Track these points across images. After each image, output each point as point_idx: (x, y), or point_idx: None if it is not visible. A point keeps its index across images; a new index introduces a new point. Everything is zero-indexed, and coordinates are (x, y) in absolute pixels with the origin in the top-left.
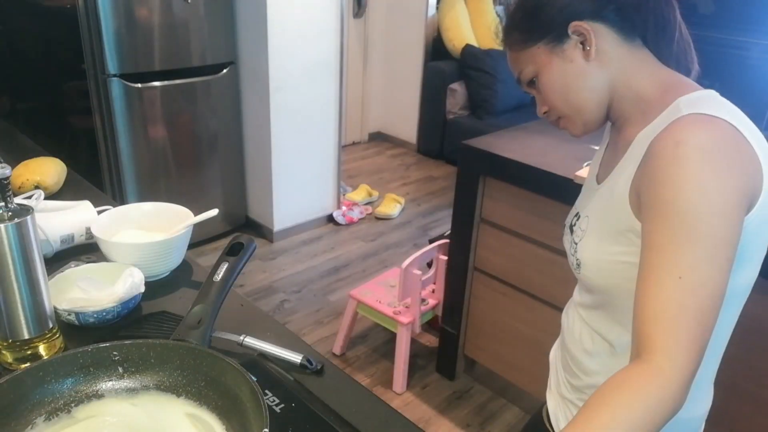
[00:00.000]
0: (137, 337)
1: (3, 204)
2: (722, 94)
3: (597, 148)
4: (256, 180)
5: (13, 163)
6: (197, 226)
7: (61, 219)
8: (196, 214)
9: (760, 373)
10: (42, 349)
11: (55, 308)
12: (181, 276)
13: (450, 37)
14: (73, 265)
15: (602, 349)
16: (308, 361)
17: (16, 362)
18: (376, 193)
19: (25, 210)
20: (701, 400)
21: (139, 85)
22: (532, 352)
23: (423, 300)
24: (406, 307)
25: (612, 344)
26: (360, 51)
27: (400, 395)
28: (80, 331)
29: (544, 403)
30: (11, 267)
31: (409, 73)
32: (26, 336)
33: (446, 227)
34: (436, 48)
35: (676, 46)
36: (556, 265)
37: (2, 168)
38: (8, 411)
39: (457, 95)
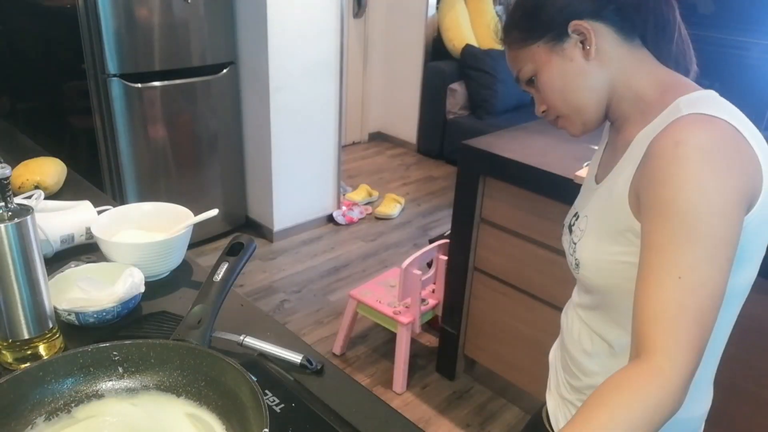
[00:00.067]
0: (137, 337)
1: (3, 204)
2: (722, 94)
3: (596, 147)
4: (256, 180)
5: (13, 163)
6: (197, 226)
7: (61, 219)
8: (196, 214)
9: (760, 373)
10: (42, 349)
11: (55, 308)
12: (181, 276)
13: (450, 37)
14: (73, 265)
15: (601, 349)
16: (308, 361)
17: (16, 362)
18: (376, 193)
19: (25, 210)
20: (700, 400)
21: (139, 85)
22: (532, 352)
23: (423, 300)
24: (406, 307)
25: (611, 345)
26: (360, 51)
27: (400, 395)
28: (80, 331)
29: (544, 403)
30: (11, 267)
31: (409, 73)
32: (26, 336)
33: (446, 227)
34: (436, 48)
35: (675, 46)
36: (556, 265)
37: (2, 168)
38: (8, 411)
39: (457, 95)
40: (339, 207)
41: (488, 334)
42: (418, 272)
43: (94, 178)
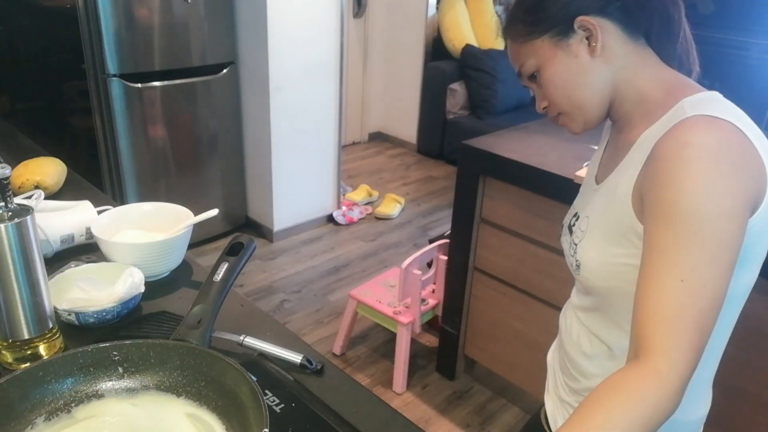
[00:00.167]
0: (137, 337)
1: (3, 204)
2: (722, 94)
3: (596, 147)
4: (256, 180)
5: (13, 163)
6: (197, 226)
7: (61, 219)
8: (196, 214)
9: (760, 373)
10: (42, 349)
11: (55, 308)
12: (181, 276)
13: (450, 37)
14: (73, 265)
15: (600, 351)
16: (308, 361)
17: (16, 362)
18: (376, 193)
19: (25, 210)
20: (699, 403)
21: (139, 85)
22: (532, 352)
23: (423, 300)
24: (406, 307)
25: (610, 347)
26: (360, 51)
27: (400, 395)
28: (80, 331)
29: (543, 404)
30: (11, 267)
31: (409, 73)
32: (26, 336)
33: (446, 227)
34: (436, 48)
35: (679, 46)
36: (555, 265)
37: (2, 168)
38: (8, 411)
39: (457, 95)
40: (339, 207)
41: (488, 334)
42: (418, 272)
43: (94, 178)
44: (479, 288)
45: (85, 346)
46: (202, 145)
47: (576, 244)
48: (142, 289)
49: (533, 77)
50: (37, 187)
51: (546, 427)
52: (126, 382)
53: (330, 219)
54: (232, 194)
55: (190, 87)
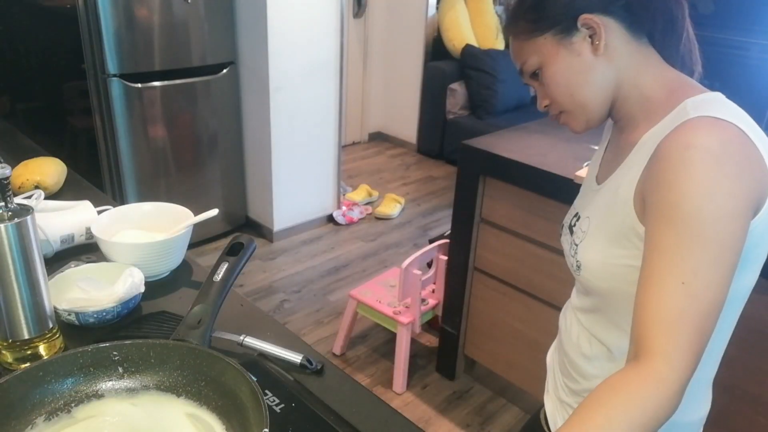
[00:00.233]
0: (137, 337)
1: (3, 204)
2: (722, 95)
3: (596, 148)
4: (256, 180)
5: (13, 163)
6: (197, 226)
7: (61, 219)
8: (196, 214)
9: (761, 373)
10: (42, 349)
11: (55, 308)
12: (181, 276)
13: (450, 37)
14: (73, 265)
15: (600, 353)
16: (308, 361)
17: (16, 362)
18: (376, 193)
19: (25, 210)
20: (699, 404)
21: (139, 85)
22: (532, 352)
23: (423, 300)
24: (406, 307)
25: (610, 349)
26: (360, 51)
27: (400, 395)
28: (80, 331)
29: (542, 405)
30: (11, 267)
31: (409, 73)
32: (26, 336)
33: (446, 227)
34: (436, 48)
35: (682, 46)
36: (555, 265)
37: (2, 168)
38: (8, 411)
39: (457, 95)
40: (339, 207)
41: (488, 334)
42: (418, 272)
43: (94, 178)
44: (479, 288)
45: (85, 346)
46: (202, 145)
47: (577, 245)
48: (142, 289)
49: (535, 75)
50: (37, 187)
51: (546, 428)
52: (126, 382)
53: (330, 219)
54: (232, 194)
55: (190, 87)
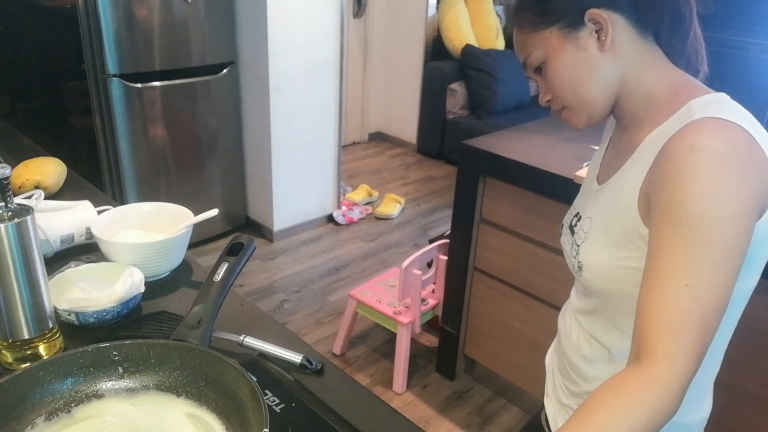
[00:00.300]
0: (137, 337)
1: (3, 204)
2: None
3: (597, 148)
4: (256, 180)
5: (13, 163)
6: (197, 226)
7: (61, 219)
8: (196, 214)
9: (762, 374)
10: (42, 349)
11: (55, 308)
12: (181, 276)
13: (450, 37)
14: (73, 265)
15: (600, 355)
16: (308, 361)
17: (16, 362)
18: (376, 193)
19: (25, 210)
20: (701, 405)
21: (139, 85)
22: (532, 352)
23: (423, 300)
24: (406, 307)
25: (610, 351)
26: (360, 51)
27: (400, 395)
28: (80, 331)
29: (542, 407)
30: (11, 267)
31: (409, 73)
32: (26, 336)
33: (446, 227)
34: (436, 48)
35: (689, 45)
36: (555, 265)
37: (2, 168)
38: (8, 411)
39: (457, 95)
40: (339, 207)
41: (488, 334)
42: (418, 272)
43: (94, 178)
44: (479, 288)
45: (85, 346)
46: (202, 145)
47: (578, 245)
48: (142, 289)
49: (538, 69)
50: (37, 187)
51: (547, 430)
52: (126, 382)
53: (330, 219)
54: (232, 194)
55: (190, 87)
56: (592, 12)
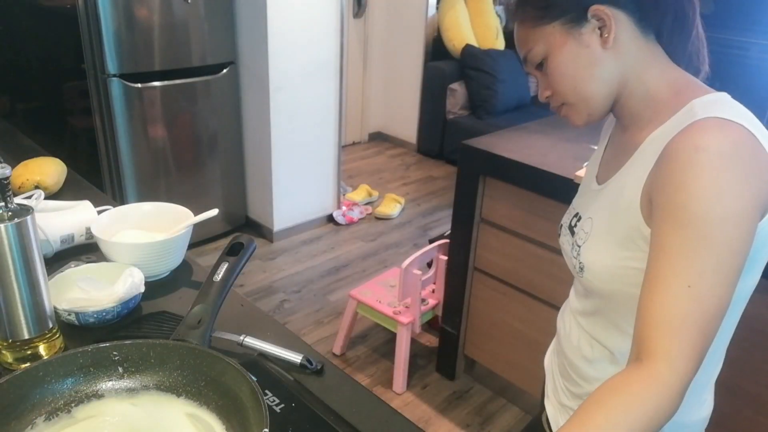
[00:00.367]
0: (137, 337)
1: (3, 204)
2: None
3: (596, 147)
4: (256, 180)
5: (13, 163)
6: (197, 226)
7: (61, 219)
8: (196, 214)
9: (762, 373)
10: (42, 349)
11: (55, 308)
12: (181, 276)
13: (450, 37)
14: (73, 265)
15: (602, 356)
16: (308, 361)
17: (16, 362)
18: (376, 193)
19: (25, 210)
20: (702, 404)
21: (139, 85)
22: (532, 352)
23: (423, 300)
24: (406, 307)
25: (612, 351)
26: (360, 51)
27: (400, 395)
28: (80, 331)
29: (543, 409)
30: (11, 267)
31: (409, 73)
32: (26, 336)
33: (446, 227)
34: (436, 48)
35: (690, 44)
36: (555, 265)
37: (2, 168)
38: (8, 411)
39: (457, 95)
40: (339, 207)
41: (488, 334)
42: (418, 272)
43: (94, 178)
44: (479, 288)
45: (85, 346)
46: (202, 145)
47: (579, 246)
48: (142, 289)
49: (540, 65)
50: (37, 187)
51: (548, 431)
52: (126, 382)
53: (330, 219)
54: (232, 194)
55: (190, 87)
56: (595, 8)
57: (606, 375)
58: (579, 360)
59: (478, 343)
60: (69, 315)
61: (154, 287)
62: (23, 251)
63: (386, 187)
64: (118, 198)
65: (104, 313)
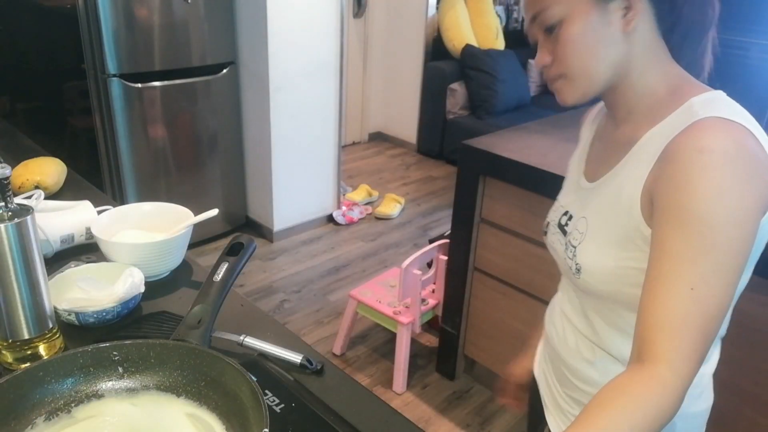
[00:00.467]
0: (137, 337)
1: (3, 204)
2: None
3: (580, 142)
4: (256, 180)
5: (13, 163)
6: (197, 226)
7: (61, 219)
8: (196, 214)
9: (763, 374)
10: (42, 349)
11: (55, 308)
12: (181, 276)
13: (450, 37)
14: (73, 265)
15: (602, 355)
16: (308, 361)
17: (16, 362)
18: (376, 193)
19: (25, 210)
20: (700, 395)
21: (139, 85)
22: None
23: (423, 300)
24: (406, 307)
25: (610, 352)
26: (360, 51)
27: (400, 395)
28: (80, 331)
29: (545, 425)
30: (11, 267)
31: (409, 73)
32: (26, 336)
33: (446, 227)
34: (436, 48)
35: (701, 48)
36: (555, 265)
37: (2, 168)
38: (8, 411)
39: (457, 95)
40: (339, 207)
41: (488, 334)
42: (418, 272)
43: (94, 178)
44: (479, 288)
45: (85, 346)
46: (202, 145)
47: (575, 247)
48: (142, 289)
49: (550, 28)
50: (37, 187)
51: None
52: (126, 382)
53: (330, 219)
54: (232, 194)
55: (190, 87)
56: None
57: (609, 374)
58: (579, 363)
59: (478, 343)
60: (69, 315)
61: (154, 287)
62: (23, 251)
63: (386, 187)
64: (118, 198)
65: (104, 313)
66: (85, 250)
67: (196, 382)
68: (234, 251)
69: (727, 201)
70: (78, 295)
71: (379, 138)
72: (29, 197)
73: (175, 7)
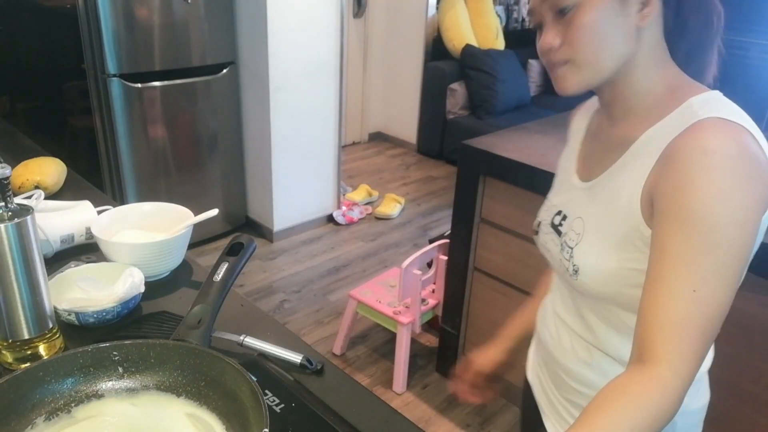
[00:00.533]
0: (137, 337)
1: (3, 204)
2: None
3: (570, 141)
4: (256, 180)
5: (13, 163)
6: (197, 226)
7: (61, 219)
8: (196, 214)
9: (760, 372)
10: (42, 349)
11: (55, 308)
12: (181, 276)
13: (450, 37)
14: (73, 265)
15: (600, 356)
16: (308, 361)
17: (16, 362)
18: (376, 193)
19: (25, 210)
20: (696, 392)
21: (139, 85)
22: None
23: (423, 300)
24: (406, 307)
25: (607, 352)
26: (360, 51)
27: (400, 395)
28: (80, 331)
29: (543, 430)
30: (11, 267)
31: (409, 73)
32: (26, 336)
33: (446, 227)
34: (436, 48)
35: (702, 55)
36: None
37: (2, 168)
38: (8, 411)
39: (457, 95)
40: (339, 207)
41: (488, 334)
42: (418, 272)
43: (94, 178)
44: (479, 288)
45: (85, 346)
46: (202, 145)
47: (571, 248)
48: (142, 289)
49: (562, 11)
50: (37, 187)
51: None
52: (126, 382)
53: (330, 219)
54: (232, 194)
55: (190, 87)
56: None
57: (606, 375)
58: (575, 364)
59: (478, 343)
60: (69, 315)
61: (154, 287)
62: (23, 251)
63: (386, 187)
64: (118, 198)
65: (104, 313)
66: (85, 250)
67: (196, 382)
68: (234, 251)
69: (728, 202)
70: (78, 295)
71: (379, 138)
72: (29, 197)
73: (175, 7)
